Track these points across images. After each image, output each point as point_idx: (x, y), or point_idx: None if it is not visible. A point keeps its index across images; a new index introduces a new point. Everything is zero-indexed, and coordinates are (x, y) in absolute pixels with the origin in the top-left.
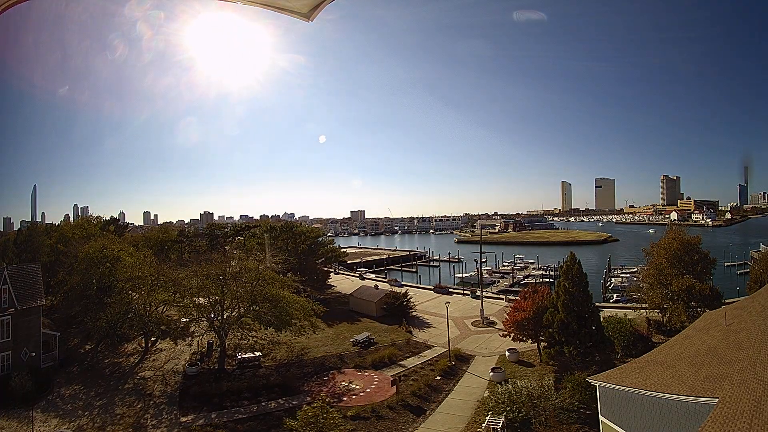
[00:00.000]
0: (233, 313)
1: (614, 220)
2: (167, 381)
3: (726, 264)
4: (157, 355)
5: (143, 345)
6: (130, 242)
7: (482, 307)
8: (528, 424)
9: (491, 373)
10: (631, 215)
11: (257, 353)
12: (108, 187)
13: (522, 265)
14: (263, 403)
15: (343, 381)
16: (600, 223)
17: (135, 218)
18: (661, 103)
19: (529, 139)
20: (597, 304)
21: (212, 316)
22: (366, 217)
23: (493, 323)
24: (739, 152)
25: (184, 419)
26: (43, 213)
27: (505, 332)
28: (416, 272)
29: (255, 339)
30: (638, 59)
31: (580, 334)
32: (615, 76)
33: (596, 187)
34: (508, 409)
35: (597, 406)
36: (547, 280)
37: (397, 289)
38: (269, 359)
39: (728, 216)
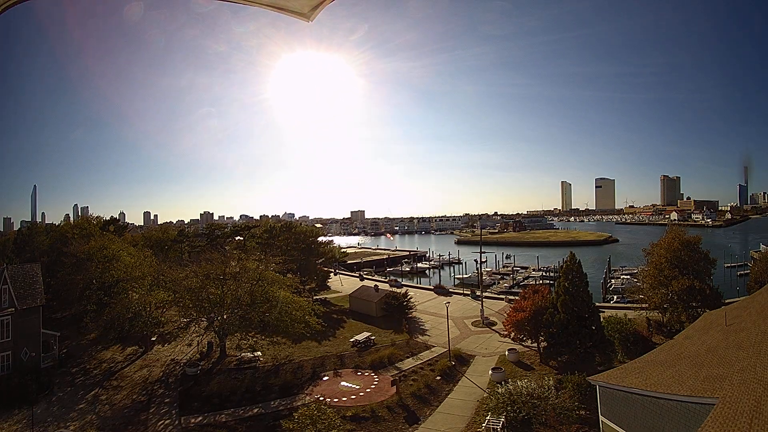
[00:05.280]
0: (233, 314)
1: (614, 220)
2: (167, 381)
3: (726, 265)
4: (157, 356)
5: (143, 345)
6: (130, 242)
7: (482, 307)
8: (528, 424)
9: (491, 373)
10: (631, 215)
11: (257, 353)
12: (108, 187)
13: (522, 266)
14: (262, 404)
15: (343, 381)
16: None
17: (135, 218)
18: (661, 102)
19: (529, 139)
20: (597, 304)
21: (212, 316)
22: (366, 217)
23: (493, 323)
24: (739, 152)
25: (183, 419)
26: (43, 213)
27: (505, 332)
28: (417, 273)
29: (255, 339)
30: (638, 59)
31: (580, 334)
32: (615, 75)
33: (596, 187)
34: (508, 409)
35: (597, 406)
36: (548, 281)
37: (397, 290)
38: (269, 359)
39: (728, 216)
